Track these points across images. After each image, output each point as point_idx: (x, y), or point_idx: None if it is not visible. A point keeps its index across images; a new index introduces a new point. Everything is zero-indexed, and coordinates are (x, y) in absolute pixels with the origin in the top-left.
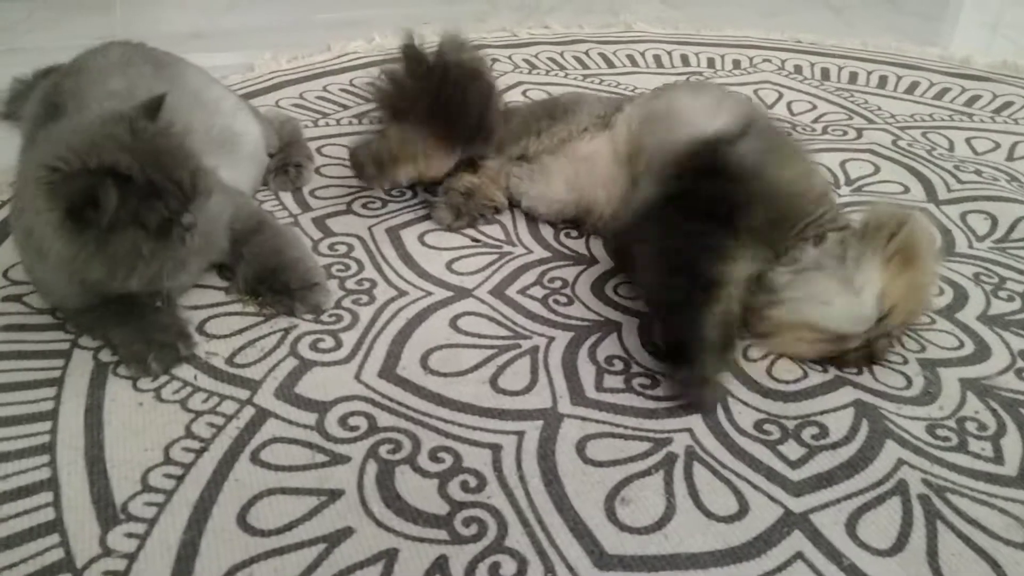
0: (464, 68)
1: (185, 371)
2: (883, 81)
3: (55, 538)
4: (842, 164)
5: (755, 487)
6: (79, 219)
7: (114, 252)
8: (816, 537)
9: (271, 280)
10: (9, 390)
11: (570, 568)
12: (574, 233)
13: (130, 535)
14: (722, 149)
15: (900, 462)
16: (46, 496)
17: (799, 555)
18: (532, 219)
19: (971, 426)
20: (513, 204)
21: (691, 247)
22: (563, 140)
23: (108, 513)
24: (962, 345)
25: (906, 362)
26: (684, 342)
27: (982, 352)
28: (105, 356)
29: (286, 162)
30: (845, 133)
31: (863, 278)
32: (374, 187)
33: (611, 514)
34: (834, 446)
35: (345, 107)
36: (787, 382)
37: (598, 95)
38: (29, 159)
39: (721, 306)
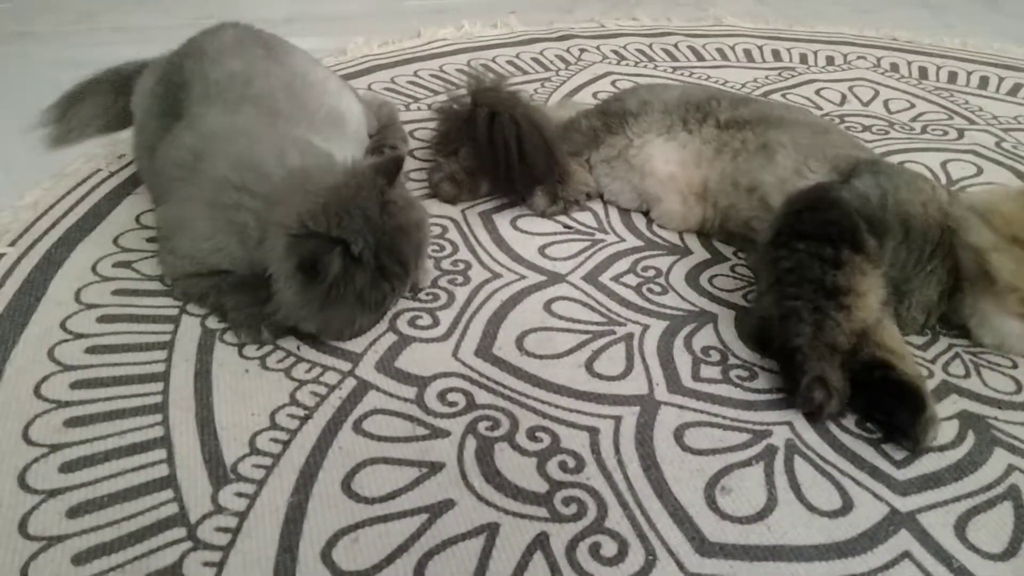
0: (516, 125)
1: (289, 342)
2: (984, 82)
3: (169, 493)
4: (943, 164)
5: (859, 484)
6: (309, 275)
7: (333, 316)
8: (924, 537)
9: None
10: (122, 351)
11: (671, 553)
12: None
13: (240, 495)
14: (839, 194)
15: (1011, 468)
16: (160, 453)
17: (907, 554)
18: (624, 209)
19: None
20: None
21: (805, 262)
22: (623, 150)
23: (219, 472)
24: None
25: (1015, 366)
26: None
27: None
28: (212, 323)
29: (382, 143)
30: (946, 133)
31: None
32: (455, 204)
33: (711, 502)
34: (941, 449)
35: (435, 92)
36: None
37: (675, 96)
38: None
39: (856, 315)
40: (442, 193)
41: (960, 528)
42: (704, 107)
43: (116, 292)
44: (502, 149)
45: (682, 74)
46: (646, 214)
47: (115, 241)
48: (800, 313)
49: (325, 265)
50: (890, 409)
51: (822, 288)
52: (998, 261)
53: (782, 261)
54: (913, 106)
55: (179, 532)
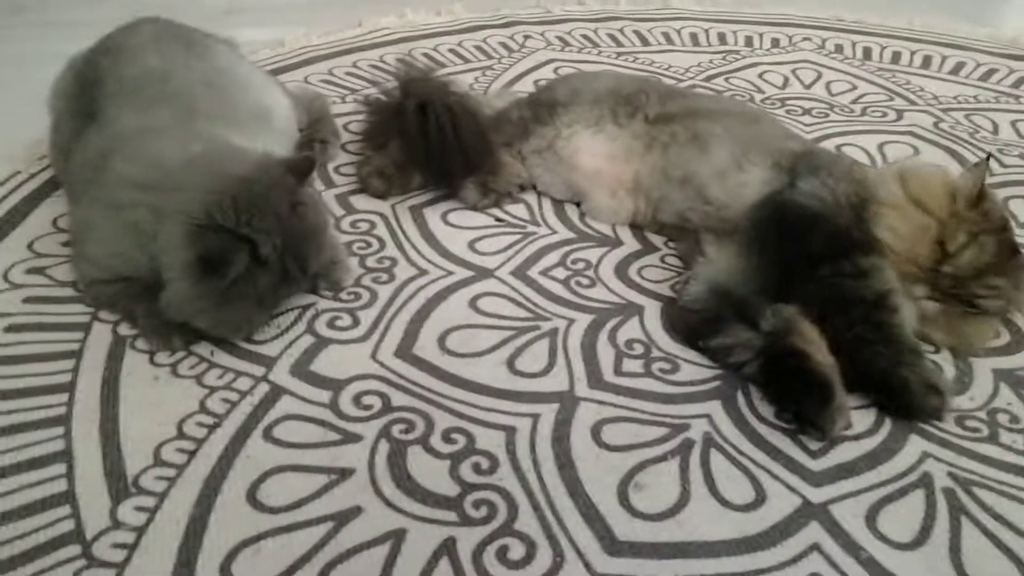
0: (450, 112)
1: (202, 347)
2: (927, 61)
3: (67, 509)
4: (880, 146)
5: (773, 476)
6: (206, 270)
7: (226, 313)
8: (834, 529)
9: None
10: (28, 361)
11: (580, 553)
12: None
13: (140, 508)
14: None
15: (925, 455)
16: (59, 467)
17: (815, 546)
18: (557, 200)
19: (1003, 418)
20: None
21: (839, 283)
22: (552, 141)
23: (120, 486)
24: (998, 336)
25: (938, 351)
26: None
27: (1018, 343)
28: (124, 329)
29: (313, 137)
30: (885, 114)
31: None
32: (385, 199)
33: (624, 499)
34: (856, 437)
35: (374, 83)
36: None
37: (596, 92)
38: (103, 141)
39: (901, 314)
40: (371, 188)
41: (871, 518)
42: (633, 100)
43: (27, 300)
44: (435, 139)
45: (627, 59)
46: (579, 205)
47: (30, 246)
48: (865, 337)
49: (228, 264)
50: (800, 399)
51: (865, 302)
52: (885, 215)
53: (815, 290)
54: (855, 87)
55: (74, 550)
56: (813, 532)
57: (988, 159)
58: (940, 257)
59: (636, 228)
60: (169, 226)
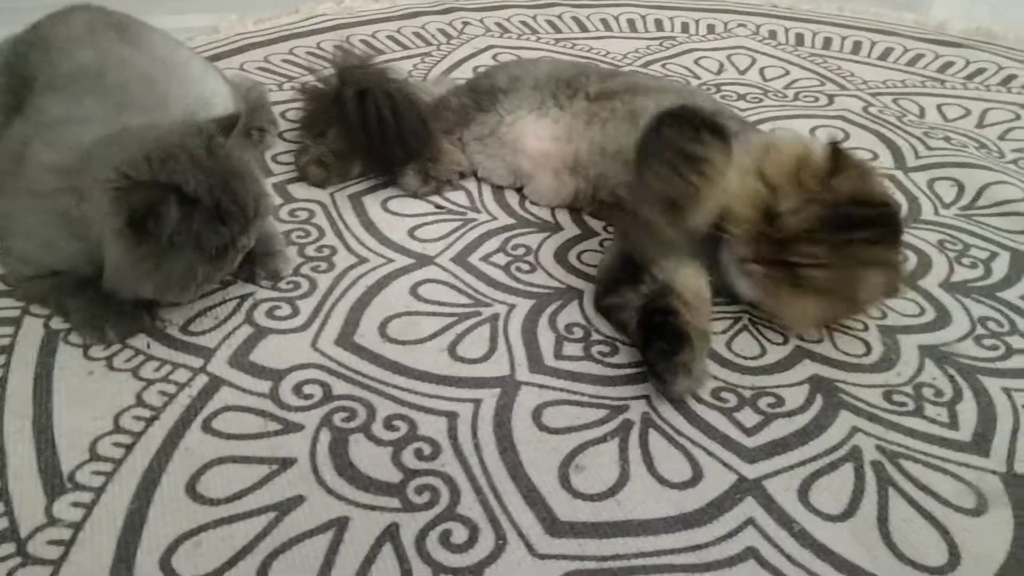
0: (390, 99)
1: (138, 339)
2: (857, 47)
3: None
4: (812, 131)
5: (710, 454)
6: (140, 230)
7: (170, 271)
8: (768, 503)
9: None
10: None
11: (521, 535)
12: None
13: (76, 504)
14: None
15: (854, 430)
16: None
17: (750, 521)
18: (498, 186)
19: (928, 392)
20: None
21: (671, 135)
22: (494, 127)
23: (55, 482)
24: (923, 312)
25: (866, 329)
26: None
27: (943, 319)
28: (56, 323)
29: (251, 126)
30: (817, 99)
31: None
32: (324, 188)
33: (564, 481)
34: (789, 414)
35: (311, 71)
36: (746, 357)
37: (536, 77)
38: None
39: (709, 189)
40: (310, 176)
41: (803, 492)
42: (574, 83)
43: None
44: (375, 126)
45: (565, 46)
46: (519, 191)
47: None
48: (661, 170)
49: (160, 216)
50: (652, 348)
51: (682, 154)
52: (730, 178)
53: (648, 145)
54: (788, 73)
55: (8, 548)
56: (748, 507)
57: (839, 142)
58: (769, 222)
59: (575, 211)
60: (91, 202)
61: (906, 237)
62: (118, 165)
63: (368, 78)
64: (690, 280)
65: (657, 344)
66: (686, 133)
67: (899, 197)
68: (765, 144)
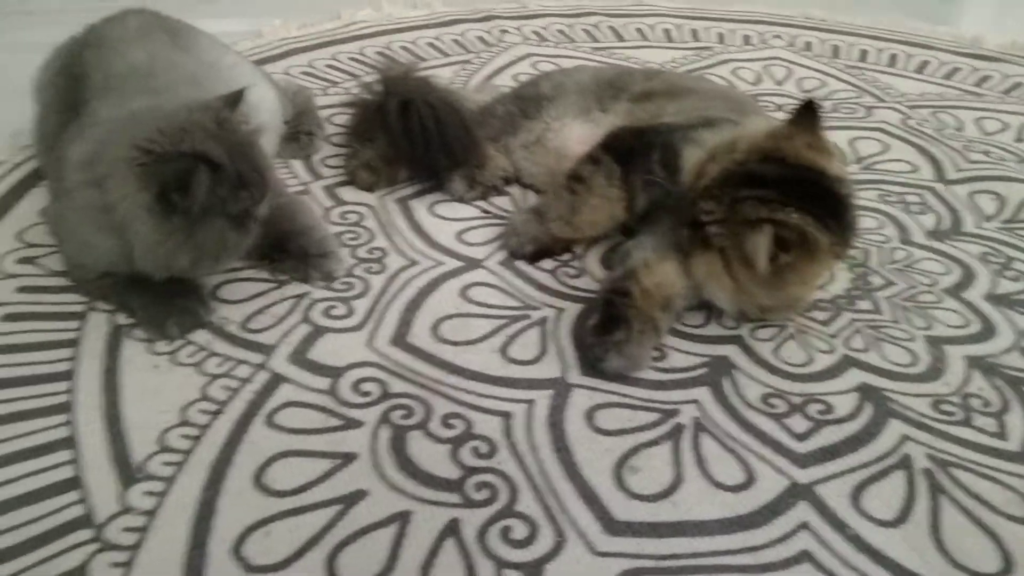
0: (432, 110)
1: (200, 335)
2: (893, 60)
3: (75, 495)
4: (851, 142)
5: (761, 458)
6: (168, 203)
7: (202, 240)
8: (821, 508)
9: (288, 245)
10: (27, 350)
11: (580, 533)
12: None
13: (149, 493)
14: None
15: (904, 438)
16: (66, 454)
17: (804, 525)
18: (541, 191)
19: (976, 403)
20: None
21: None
22: (541, 134)
23: (127, 471)
24: (968, 323)
25: (913, 339)
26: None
27: (988, 331)
28: (121, 318)
29: (298, 130)
30: (855, 111)
31: None
32: (373, 192)
33: (620, 481)
34: (839, 421)
35: (354, 76)
36: (793, 364)
37: (588, 78)
38: (86, 131)
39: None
40: (359, 180)
41: (855, 497)
42: (617, 82)
43: (21, 289)
44: (419, 137)
45: (602, 55)
46: None
47: (19, 236)
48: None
49: (194, 183)
50: (592, 328)
51: (573, 174)
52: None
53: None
54: (825, 84)
55: (85, 534)
56: (802, 512)
57: (816, 105)
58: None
59: None
60: (114, 185)
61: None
62: (135, 143)
63: (411, 88)
64: (656, 270)
65: (599, 322)
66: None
67: (940, 208)
68: (737, 135)
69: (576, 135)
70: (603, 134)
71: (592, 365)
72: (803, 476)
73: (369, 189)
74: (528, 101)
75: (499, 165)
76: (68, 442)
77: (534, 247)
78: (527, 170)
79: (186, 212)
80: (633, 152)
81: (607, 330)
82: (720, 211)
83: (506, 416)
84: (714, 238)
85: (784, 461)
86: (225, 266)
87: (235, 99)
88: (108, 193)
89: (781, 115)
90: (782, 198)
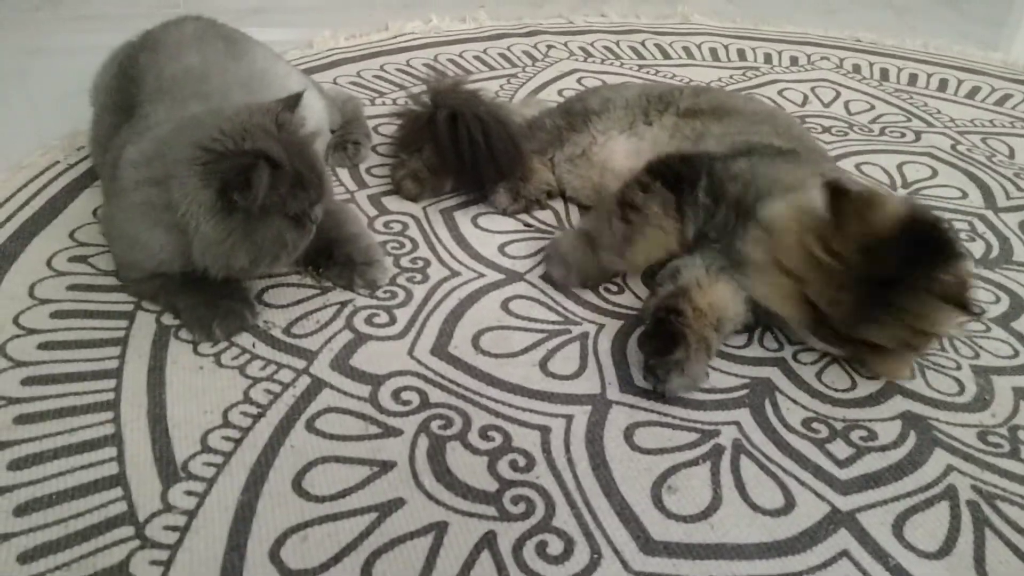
0: (481, 122)
1: (244, 339)
2: (943, 84)
3: (118, 491)
4: (899, 166)
5: (802, 483)
6: (229, 201)
7: (261, 238)
8: (863, 536)
9: (333, 252)
10: (76, 347)
11: (616, 552)
12: None
13: (190, 493)
14: (712, 162)
15: (949, 468)
16: (110, 451)
17: (844, 552)
18: (584, 206)
19: None
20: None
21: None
22: (587, 147)
23: (169, 470)
24: (1017, 354)
25: (959, 368)
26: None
27: None
28: (167, 319)
29: (345, 139)
30: (903, 135)
31: None
32: (418, 202)
33: (657, 501)
34: (883, 448)
35: (402, 87)
36: (836, 389)
37: (635, 93)
38: (146, 131)
39: (637, 239)
40: (404, 190)
41: (898, 527)
42: (666, 97)
43: (71, 287)
44: (466, 149)
45: (647, 72)
46: None
47: (71, 235)
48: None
49: (254, 180)
50: (651, 344)
51: (623, 199)
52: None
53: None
54: (873, 107)
55: (127, 531)
56: (842, 539)
57: (833, 182)
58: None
59: None
60: (177, 183)
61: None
62: (197, 142)
63: (460, 101)
64: (711, 291)
65: (653, 341)
66: (641, 179)
67: (989, 236)
68: (768, 226)
69: (622, 149)
70: (649, 151)
71: (653, 387)
72: (844, 503)
73: (414, 199)
74: (575, 115)
75: (543, 179)
76: (113, 439)
77: (580, 280)
78: (571, 184)
79: (247, 210)
80: (681, 179)
81: (664, 350)
82: (885, 331)
83: (544, 430)
84: (892, 344)
85: (824, 487)
86: (283, 266)
87: (294, 102)
88: (170, 191)
89: (828, 137)
90: (928, 264)
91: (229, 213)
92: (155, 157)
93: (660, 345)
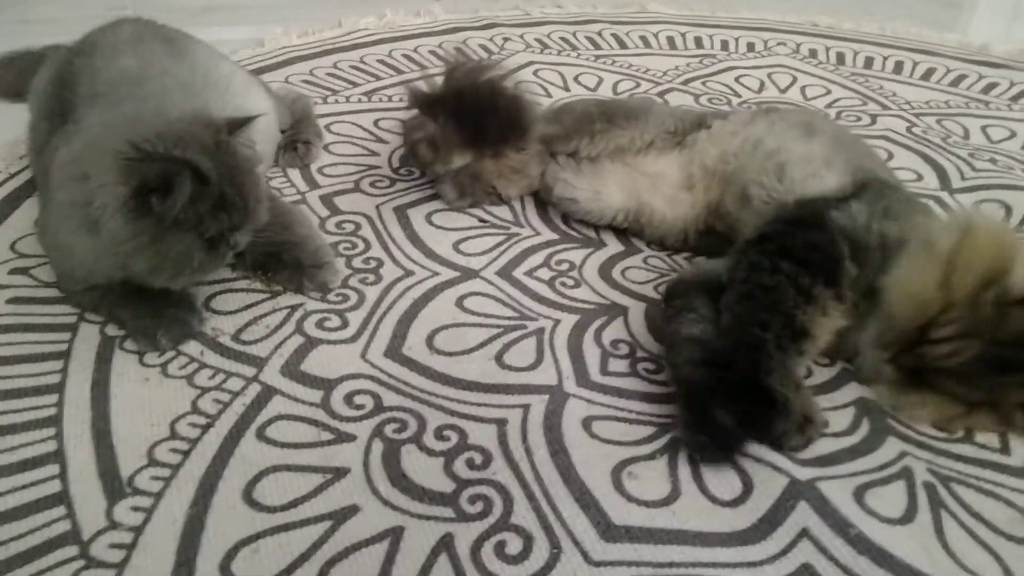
0: (495, 84)
1: (191, 347)
2: (899, 67)
3: (61, 510)
4: None
5: (758, 460)
6: (144, 203)
7: (167, 250)
8: (823, 507)
9: (282, 256)
10: (15, 363)
11: (576, 542)
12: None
13: (136, 508)
14: (830, 213)
15: (903, 453)
16: (52, 468)
17: (805, 532)
18: (540, 201)
19: None
20: (546, 199)
21: (783, 287)
22: (621, 148)
23: (114, 486)
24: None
25: None
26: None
27: None
28: (112, 330)
29: (295, 139)
30: (859, 119)
31: None
32: (427, 171)
33: (618, 484)
34: (836, 435)
35: (355, 84)
36: None
37: (671, 107)
38: (79, 135)
39: (803, 361)
40: (418, 154)
41: (859, 496)
42: (702, 119)
43: (11, 300)
44: (471, 101)
45: (605, 62)
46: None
47: (12, 247)
48: (768, 348)
49: (175, 188)
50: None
51: (791, 327)
52: (906, 267)
53: (763, 275)
54: (829, 92)
55: (71, 550)
56: (802, 515)
57: None
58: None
59: (620, 231)
60: (96, 175)
61: None
62: (129, 139)
63: (476, 68)
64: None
65: (764, 412)
66: (801, 283)
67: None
68: (961, 225)
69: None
70: (753, 227)
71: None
72: (803, 473)
73: (424, 165)
74: (616, 107)
75: (490, 183)
76: (56, 456)
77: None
78: (590, 188)
79: (160, 217)
80: (816, 248)
81: (757, 420)
82: (969, 393)
83: (501, 423)
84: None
85: (782, 459)
86: (185, 284)
87: (239, 124)
88: (88, 183)
89: None
90: None
91: (141, 215)
92: (81, 154)
93: (773, 412)
